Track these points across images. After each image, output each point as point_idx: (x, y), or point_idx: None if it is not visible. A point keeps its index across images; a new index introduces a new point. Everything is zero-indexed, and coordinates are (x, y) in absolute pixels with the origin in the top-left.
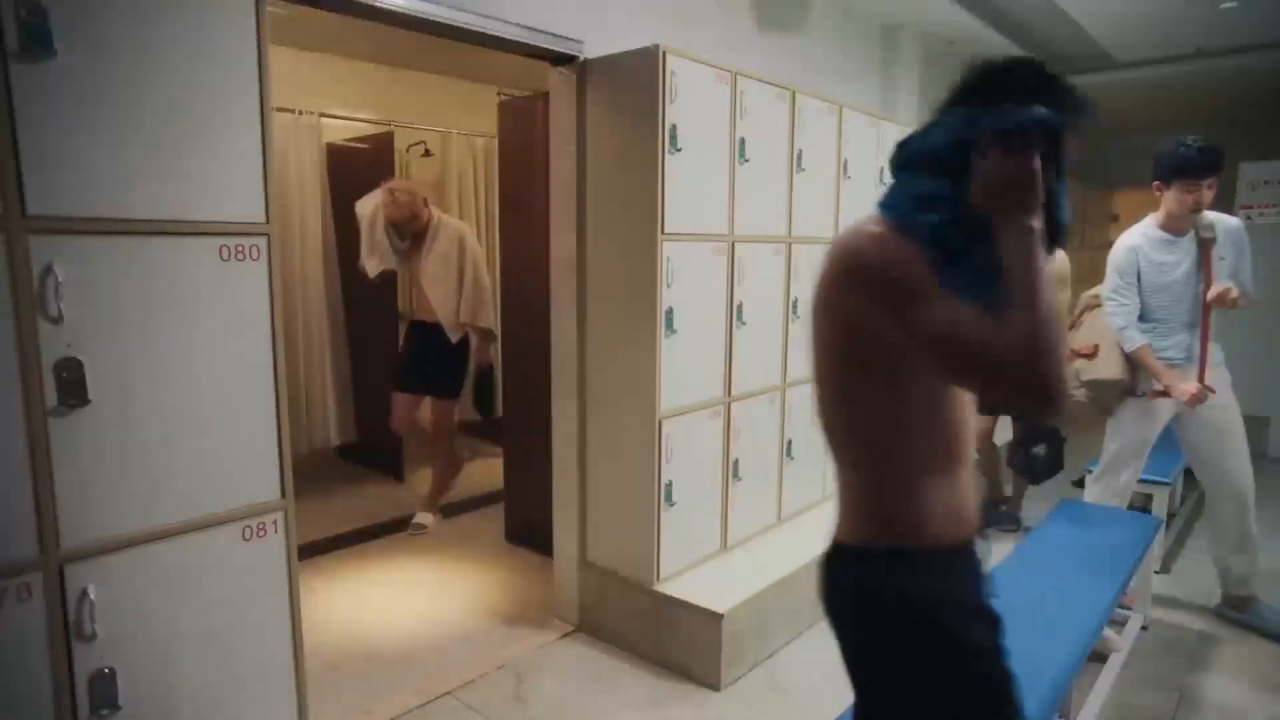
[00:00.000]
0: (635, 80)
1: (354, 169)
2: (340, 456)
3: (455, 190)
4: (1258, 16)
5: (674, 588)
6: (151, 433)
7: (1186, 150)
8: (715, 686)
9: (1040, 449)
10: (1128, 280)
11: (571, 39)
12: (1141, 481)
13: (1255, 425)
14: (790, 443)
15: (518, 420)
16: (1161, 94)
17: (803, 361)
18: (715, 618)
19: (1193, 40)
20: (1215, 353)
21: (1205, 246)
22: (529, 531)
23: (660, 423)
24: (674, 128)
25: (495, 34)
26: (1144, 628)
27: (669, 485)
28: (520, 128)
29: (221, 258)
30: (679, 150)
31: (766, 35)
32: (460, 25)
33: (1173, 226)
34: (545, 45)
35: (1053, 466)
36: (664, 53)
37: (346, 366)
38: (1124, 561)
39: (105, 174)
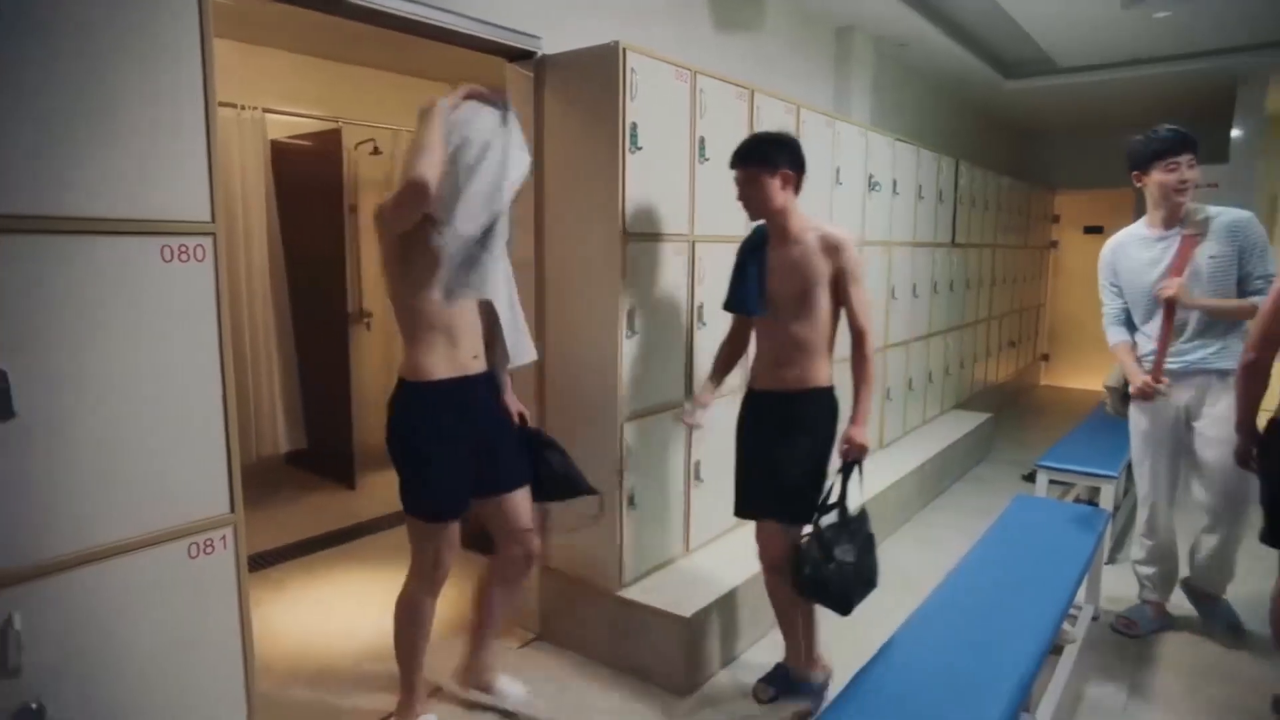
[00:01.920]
0: (594, 77)
1: (299, 166)
2: (289, 464)
3: None
4: (1190, 26)
5: (637, 593)
6: (87, 447)
7: (1159, 133)
8: (680, 692)
9: (846, 553)
10: (1106, 278)
11: (528, 34)
12: (1087, 475)
13: None
14: None
15: None
16: (1100, 99)
17: None
18: (680, 622)
19: (1130, 48)
20: (1224, 360)
21: (1185, 242)
22: (487, 537)
23: (622, 426)
24: (634, 126)
25: (449, 27)
26: (1094, 619)
27: (631, 489)
28: None
29: (164, 258)
30: (640, 149)
31: (722, 34)
32: (413, 18)
33: (1160, 222)
34: (501, 40)
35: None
36: (624, 50)
37: (295, 371)
38: (1079, 554)
39: (35, 168)
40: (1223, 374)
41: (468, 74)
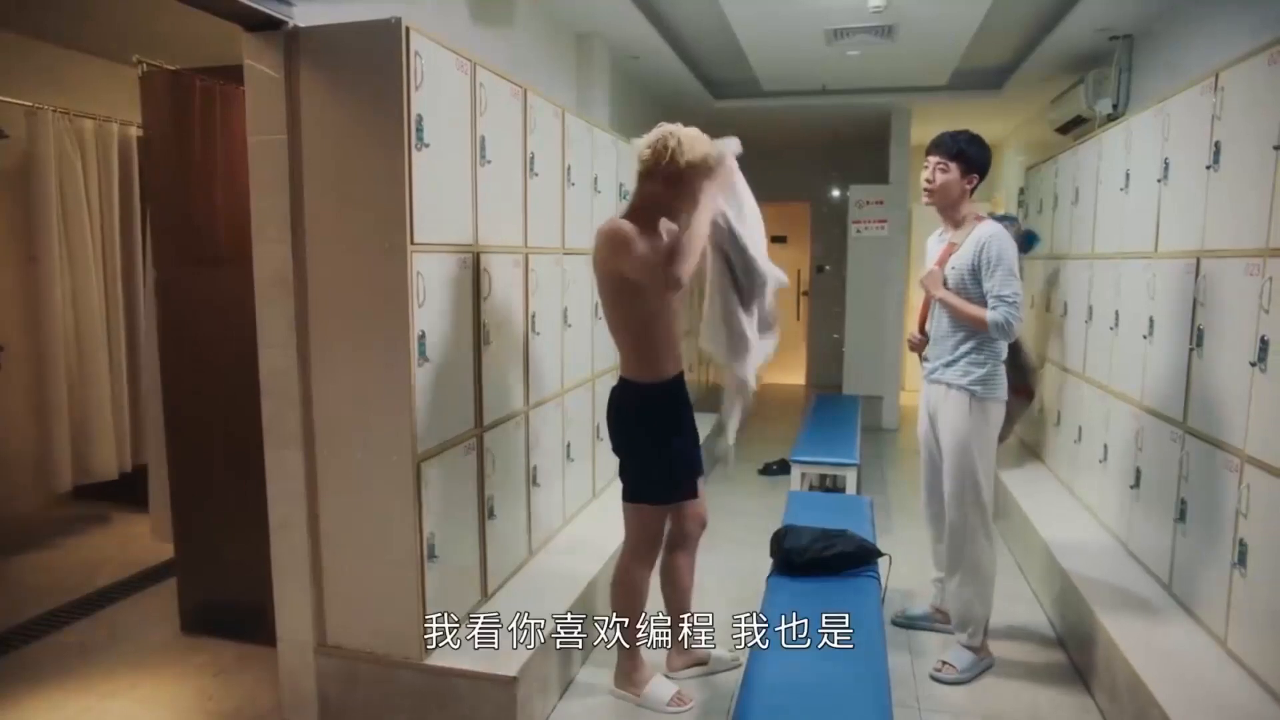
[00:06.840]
0: (371, 59)
1: None
2: None
3: (55, 189)
4: (867, 67)
5: (448, 657)
6: None
7: None
8: None
9: None
10: None
11: None
12: (835, 465)
13: (871, 403)
14: (536, 469)
15: (189, 470)
16: (792, 122)
17: (547, 380)
18: (507, 683)
19: (821, 79)
20: (951, 374)
21: (947, 247)
22: (218, 615)
23: (420, 466)
24: (420, 119)
25: None
26: None
27: (432, 538)
28: (179, 111)
29: None
30: (426, 145)
31: (480, 28)
32: None
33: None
34: None
35: None
36: (407, 29)
37: None
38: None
39: None
40: (949, 387)
41: (157, 46)
